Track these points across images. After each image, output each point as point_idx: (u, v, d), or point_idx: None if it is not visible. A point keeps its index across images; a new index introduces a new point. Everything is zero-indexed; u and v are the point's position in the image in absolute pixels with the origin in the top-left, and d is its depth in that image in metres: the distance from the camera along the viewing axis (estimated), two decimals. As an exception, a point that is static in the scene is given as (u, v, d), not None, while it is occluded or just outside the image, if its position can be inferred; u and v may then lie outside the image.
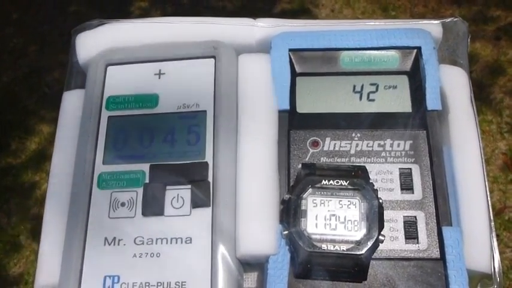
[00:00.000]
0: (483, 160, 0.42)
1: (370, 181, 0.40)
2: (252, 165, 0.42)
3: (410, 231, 0.40)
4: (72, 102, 0.47)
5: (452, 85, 0.44)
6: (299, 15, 1.61)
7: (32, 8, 1.75)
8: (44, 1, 1.76)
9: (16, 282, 1.25)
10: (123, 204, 0.42)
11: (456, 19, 0.47)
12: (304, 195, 0.39)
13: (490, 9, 1.57)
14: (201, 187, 0.41)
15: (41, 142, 1.44)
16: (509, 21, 1.54)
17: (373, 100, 0.45)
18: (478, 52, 1.47)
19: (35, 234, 1.28)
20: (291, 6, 1.66)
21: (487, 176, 0.42)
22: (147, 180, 0.42)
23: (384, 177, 0.42)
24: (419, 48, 0.45)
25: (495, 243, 0.40)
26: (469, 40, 0.47)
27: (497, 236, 1.22)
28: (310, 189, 0.39)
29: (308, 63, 0.46)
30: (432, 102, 0.43)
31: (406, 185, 0.41)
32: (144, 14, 1.61)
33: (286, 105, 0.44)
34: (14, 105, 1.52)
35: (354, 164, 0.42)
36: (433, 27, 0.46)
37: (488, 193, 0.41)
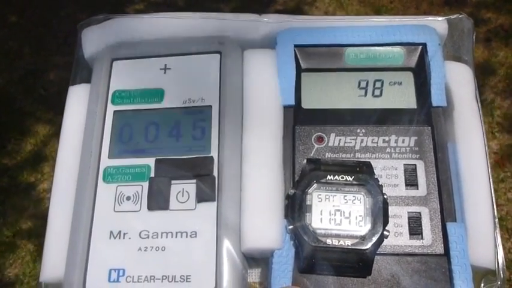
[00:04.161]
0: (487, 156, 0.42)
1: (375, 177, 0.40)
2: (257, 160, 0.42)
3: (415, 227, 0.40)
4: (77, 96, 0.47)
5: (457, 81, 0.44)
6: (293, 17, 1.61)
7: (27, 10, 1.76)
8: (39, 4, 1.76)
9: (12, 283, 1.25)
10: (128, 198, 0.42)
11: (461, 16, 0.47)
12: (309, 190, 0.39)
13: (480, 12, 1.58)
14: (206, 181, 0.41)
15: (37, 143, 1.44)
16: (499, 23, 1.55)
17: (378, 96, 0.45)
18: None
19: (31, 235, 1.29)
20: (285, 8, 1.66)
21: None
22: (152, 175, 0.42)
23: (389, 173, 0.42)
24: (424, 45, 0.45)
25: (499, 239, 0.40)
26: (474, 37, 0.47)
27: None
28: (315, 184, 0.39)
29: (313, 59, 0.46)
30: (437, 99, 0.43)
31: (411, 181, 0.42)
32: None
33: (291, 101, 0.44)
34: (9, 106, 1.53)
35: (359, 160, 0.42)
36: (439, 23, 0.46)
37: (492, 189, 0.41)
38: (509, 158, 1.30)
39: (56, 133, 1.40)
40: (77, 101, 0.47)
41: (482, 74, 1.43)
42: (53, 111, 1.45)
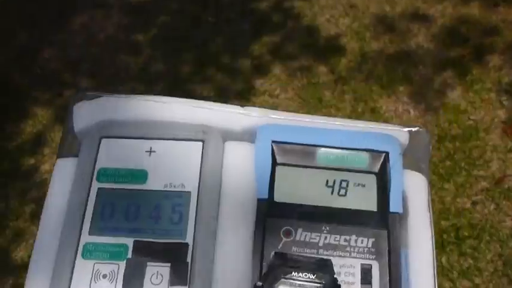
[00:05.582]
0: (435, 263, 0.47)
1: (334, 275, 0.44)
2: (229, 250, 0.45)
3: None
4: (64, 170, 0.49)
5: (414, 190, 0.49)
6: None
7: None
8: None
9: (18, 266, 1.22)
10: (104, 276, 0.44)
11: (421, 129, 0.52)
12: (276, 285, 0.43)
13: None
14: (180, 267, 0.44)
15: (35, 125, 1.42)
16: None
17: (343, 195, 0.49)
18: (476, 17, 1.45)
19: (34, 218, 1.28)
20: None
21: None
22: (129, 255, 0.44)
23: (347, 270, 0.46)
24: (387, 153, 0.50)
25: None
26: (430, 148, 0.52)
27: (497, 205, 1.25)
28: (281, 279, 0.43)
29: (288, 155, 0.50)
30: (394, 205, 0.48)
31: (366, 281, 0.46)
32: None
33: (265, 194, 0.48)
34: (6, 87, 1.50)
35: (322, 257, 0.46)
36: (401, 134, 0.52)
37: None
38: (517, 127, 1.28)
39: (54, 116, 1.38)
40: (63, 175, 0.49)
41: (490, 38, 1.39)
42: (50, 91, 1.43)
